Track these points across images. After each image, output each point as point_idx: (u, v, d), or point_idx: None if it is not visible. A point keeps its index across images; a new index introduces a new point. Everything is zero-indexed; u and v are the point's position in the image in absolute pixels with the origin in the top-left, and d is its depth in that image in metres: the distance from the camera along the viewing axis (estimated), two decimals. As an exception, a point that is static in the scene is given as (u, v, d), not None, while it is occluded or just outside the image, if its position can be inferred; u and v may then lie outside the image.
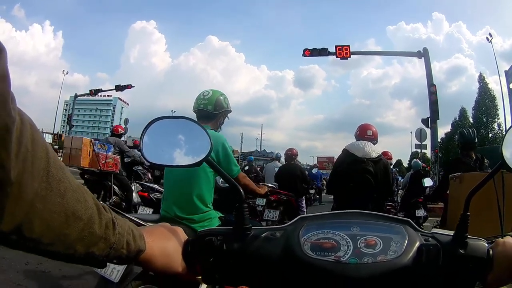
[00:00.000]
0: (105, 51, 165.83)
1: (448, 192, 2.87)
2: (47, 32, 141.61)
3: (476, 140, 3.38)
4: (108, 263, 0.44)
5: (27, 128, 0.32)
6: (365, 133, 2.87)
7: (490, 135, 37.68)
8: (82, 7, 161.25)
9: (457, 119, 40.76)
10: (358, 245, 0.53)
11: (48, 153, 0.35)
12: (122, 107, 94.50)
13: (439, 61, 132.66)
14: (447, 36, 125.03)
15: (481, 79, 40.10)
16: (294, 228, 0.57)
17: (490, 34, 29.07)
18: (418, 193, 5.96)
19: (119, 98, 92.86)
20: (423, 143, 14.14)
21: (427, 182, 5.62)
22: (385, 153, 5.25)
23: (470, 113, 39.64)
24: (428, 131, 13.26)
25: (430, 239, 0.55)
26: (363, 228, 0.56)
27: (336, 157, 3.10)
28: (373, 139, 2.84)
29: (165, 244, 0.52)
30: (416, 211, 5.79)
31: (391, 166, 6.16)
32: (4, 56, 0.28)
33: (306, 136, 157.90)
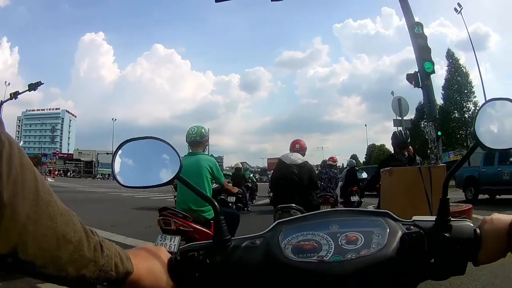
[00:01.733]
0: (57, 66, 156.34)
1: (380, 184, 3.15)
2: (4, 48, 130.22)
3: (409, 140, 3.72)
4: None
5: (15, 152, 0.33)
6: (294, 146, 3.94)
7: (466, 115, 34.64)
8: (35, 21, 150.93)
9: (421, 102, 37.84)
10: (339, 242, 0.53)
11: (36, 177, 0.35)
12: (70, 120, 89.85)
13: (389, 55, 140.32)
14: (398, 30, 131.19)
15: (450, 55, 37.38)
16: (273, 234, 0.57)
17: (459, 4, 25.75)
18: (353, 183, 7.83)
19: (66, 111, 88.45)
20: (404, 117, 9.96)
21: (363, 175, 7.81)
22: (331, 158, 7.94)
23: (439, 94, 35.27)
24: (414, 96, 10.91)
25: (412, 227, 0.54)
26: (342, 225, 0.56)
27: (277, 156, 4.14)
28: (301, 151, 3.89)
29: (151, 264, 0.52)
30: (351, 197, 7.63)
31: (337, 168, 9.01)
32: None
33: (254, 139, 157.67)
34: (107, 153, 62.17)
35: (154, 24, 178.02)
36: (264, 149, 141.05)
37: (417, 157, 3.75)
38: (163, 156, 0.57)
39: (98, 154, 58.78)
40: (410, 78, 10.12)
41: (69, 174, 61.56)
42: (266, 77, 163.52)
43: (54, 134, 77.76)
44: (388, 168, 2.97)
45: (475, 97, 34.54)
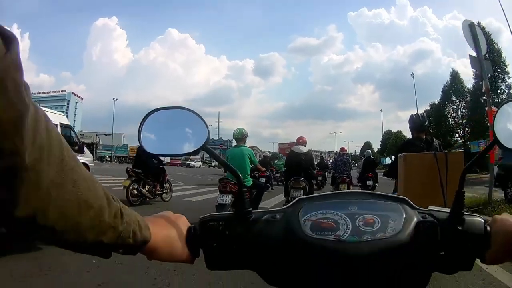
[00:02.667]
0: (69, 51, 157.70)
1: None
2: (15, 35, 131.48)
3: (426, 123, 3.56)
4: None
5: (41, 118, 0.33)
6: (298, 141, 6.05)
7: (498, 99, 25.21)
8: (46, 7, 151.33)
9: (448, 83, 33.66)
10: (357, 223, 0.53)
11: (62, 143, 0.36)
12: (76, 102, 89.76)
13: (403, 45, 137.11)
14: (411, 20, 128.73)
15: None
16: (293, 209, 0.57)
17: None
18: (369, 170, 10.06)
19: (72, 93, 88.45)
20: (484, 53, 6.76)
21: (387, 160, 8.79)
22: (342, 148, 10.01)
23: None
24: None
25: (427, 216, 0.54)
26: (361, 207, 0.56)
27: (291, 141, 7.16)
28: (303, 144, 6.01)
29: (168, 233, 0.52)
30: (367, 181, 9.65)
31: (349, 155, 11.25)
32: (16, 45, 0.29)
33: (267, 124, 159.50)
34: (106, 134, 62.14)
35: (168, 9, 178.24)
36: (276, 134, 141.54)
37: (435, 141, 3.59)
38: (191, 127, 0.57)
39: (97, 135, 58.92)
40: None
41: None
42: (280, 62, 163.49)
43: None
44: (403, 153, 2.85)
45: (509, 77, 28.48)
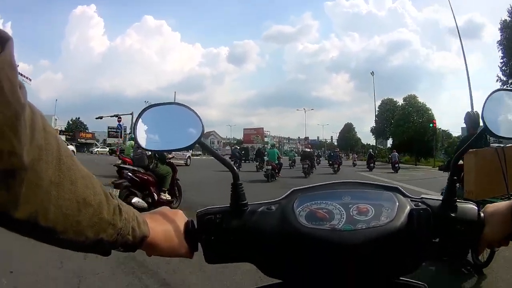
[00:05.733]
0: (48, 38, 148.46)
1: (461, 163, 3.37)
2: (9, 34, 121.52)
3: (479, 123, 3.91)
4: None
5: (38, 117, 0.33)
6: (307, 146, 20.61)
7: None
8: None
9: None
10: (351, 213, 0.55)
11: (59, 142, 0.35)
12: (24, 83, 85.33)
13: (380, 35, 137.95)
14: (390, 11, 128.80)
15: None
16: (288, 201, 0.59)
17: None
18: (370, 160, 23.97)
19: (20, 74, 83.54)
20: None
21: (395, 156, 21.47)
22: (336, 148, 27.13)
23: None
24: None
25: (420, 204, 0.56)
26: (354, 196, 0.58)
27: (265, 129, 20.26)
28: (308, 147, 19.28)
29: (167, 228, 0.53)
30: (370, 165, 23.34)
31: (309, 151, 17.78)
32: (11, 45, 0.29)
33: (240, 112, 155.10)
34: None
35: None
36: (250, 122, 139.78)
37: (488, 137, 3.97)
38: (185, 122, 0.58)
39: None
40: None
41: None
42: (254, 50, 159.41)
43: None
44: (474, 149, 3.22)
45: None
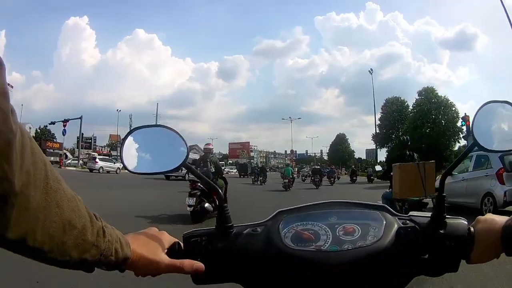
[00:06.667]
0: (41, 49, 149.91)
1: (391, 173, 4.80)
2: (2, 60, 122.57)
3: (409, 143, 5.41)
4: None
5: (27, 141, 0.34)
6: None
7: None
8: (23, 5, 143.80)
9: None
10: (337, 233, 0.56)
11: (46, 165, 0.36)
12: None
13: (371, 48, 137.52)
14: (381, 24, 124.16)
15: None
16: (274, 222, 0.60)
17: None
18: (355, 174, 30.35)
19: None
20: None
21: (378, 168, 13.05)
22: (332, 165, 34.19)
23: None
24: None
25: (407, 222, 0.57)
26: (341, 216, 0.59)
27: (255, 144, 26.86)
28: (320, 168, 24.62)
29: (150, 249, 0.53)
30: (353, 178, 29.37)
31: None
32: (3, 71, 0.30)
33: (230, 127, 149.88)
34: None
35: (136, 8, 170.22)
36: (239, 138, 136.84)
37: (415, 155, 5.37)
38: (170, 144, 0.59)
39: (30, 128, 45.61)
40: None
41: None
42: (244, 65, 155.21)
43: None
44: (399, 164, 4.64)
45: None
